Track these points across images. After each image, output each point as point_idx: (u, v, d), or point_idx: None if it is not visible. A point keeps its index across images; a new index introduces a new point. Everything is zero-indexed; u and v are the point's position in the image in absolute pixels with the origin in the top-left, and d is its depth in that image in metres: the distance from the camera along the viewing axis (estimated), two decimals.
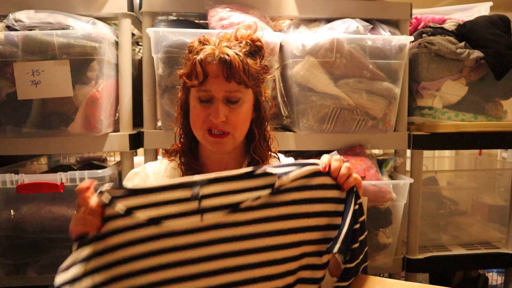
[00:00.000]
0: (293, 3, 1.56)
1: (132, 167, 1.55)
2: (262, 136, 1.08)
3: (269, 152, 1.10)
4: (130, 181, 1.10)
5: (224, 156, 1.06)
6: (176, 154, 1.09)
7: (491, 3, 1.85)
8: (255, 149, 1.07)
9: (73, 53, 1.36)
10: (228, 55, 0.94)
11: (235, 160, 1.08)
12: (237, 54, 0.95)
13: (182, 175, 1.04)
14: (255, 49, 1.02)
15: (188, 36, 1.41)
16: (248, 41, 1.01)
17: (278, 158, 1.14)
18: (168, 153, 1.11)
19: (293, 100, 1.51)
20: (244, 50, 0.98)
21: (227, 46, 0.97)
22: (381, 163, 1.63)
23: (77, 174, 1.39)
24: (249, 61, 0.98)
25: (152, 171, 1.09)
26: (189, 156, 1.06)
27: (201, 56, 0.95)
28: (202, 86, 0.97)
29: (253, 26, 1.05)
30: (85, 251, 0.71)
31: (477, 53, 1.58)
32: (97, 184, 0.77)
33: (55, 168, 1.76)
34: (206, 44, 0.99)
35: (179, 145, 1.08)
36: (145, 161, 1.53)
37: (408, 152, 1.71)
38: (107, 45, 1.42)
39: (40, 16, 1.37)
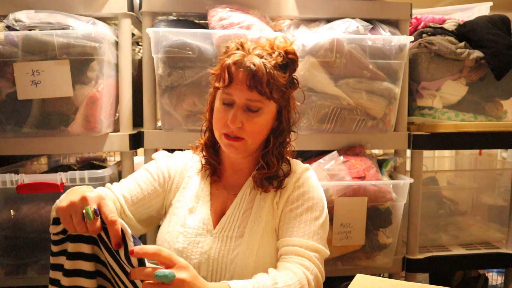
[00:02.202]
0: (293, 3, 1.56)
1: (132, 167, 1.55)
2: (277, 145, 1.07)
3: (280, 161, 1.09)
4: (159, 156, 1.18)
5: (238, 159, 1.09)
6: (201, 148, 1.15)
7: (491, 3, 1.85)
8: (265, 156, 1.08)
9: (73, 53, 1.36)
10: (254, 64, 0.95)
11: (249, 164, 1.11)
12: (265, 65, 0.95)
13: (201, 168, 1.13)
14: (287, 62, 1.02)
15: (188, 36, 1.41)
16: (282, 51, 1.01)
17: (289, 164, 1.12)
18: (194, 148, 1.18)
19: None
20: (274, 62, 0.98)
21: (258, 55, 0.98)
22: (381, 163, 1.63)
23: (77, 174, 1.39)
24: (277, 73, 0.98)
25: (181, 158, 1.18)
26: (211, 150, 1.12)
27: (229, 61, 0.98)
28: (226, 89, 1.00)
29: (290, 39, 1.05)
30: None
31: (477, 53, 1.58)
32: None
33: (55, 168, 1.76)
34: (239, 49, 1.00)
35: (204, 138, 1.13)
36: (145, 162, 1.53)
37: (408, 152, 1.71)
38: (107, 45, 1.42)
39: (40, 16, 1.37)
